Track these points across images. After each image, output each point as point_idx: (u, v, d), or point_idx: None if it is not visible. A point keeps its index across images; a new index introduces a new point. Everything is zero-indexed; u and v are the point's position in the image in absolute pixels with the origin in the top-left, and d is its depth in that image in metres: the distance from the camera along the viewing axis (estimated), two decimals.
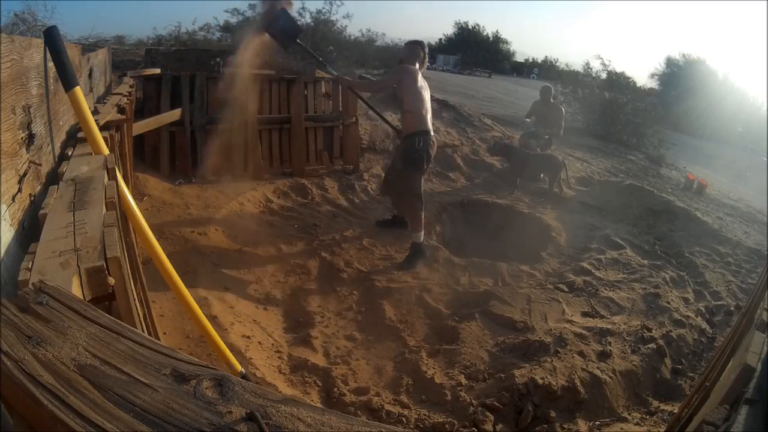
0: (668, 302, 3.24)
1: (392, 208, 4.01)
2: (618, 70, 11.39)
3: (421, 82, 3.40)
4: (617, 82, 11.00)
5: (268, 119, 4.59)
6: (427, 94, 3.43)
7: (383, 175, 3.89)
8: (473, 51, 27.46)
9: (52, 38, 1.42)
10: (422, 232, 3.42)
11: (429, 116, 3.40)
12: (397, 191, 3.49)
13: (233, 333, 2.40)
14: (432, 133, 3.38)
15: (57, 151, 1.61)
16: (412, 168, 3.34)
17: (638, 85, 12.04)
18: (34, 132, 1.29)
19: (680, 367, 2.67)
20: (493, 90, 14.58)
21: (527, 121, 6.19)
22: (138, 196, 3.52)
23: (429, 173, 4.60)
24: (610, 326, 2.81)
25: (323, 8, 11.60)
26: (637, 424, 2.17)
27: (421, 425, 2.03)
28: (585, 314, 2.98)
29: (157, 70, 4.34)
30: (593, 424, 2.15)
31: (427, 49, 3.54)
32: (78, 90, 1.47)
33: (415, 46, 3.51)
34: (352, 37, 13.16)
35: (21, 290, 0.64)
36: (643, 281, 3.52)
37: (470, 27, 30.11)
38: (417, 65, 3.42)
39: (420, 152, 3.27)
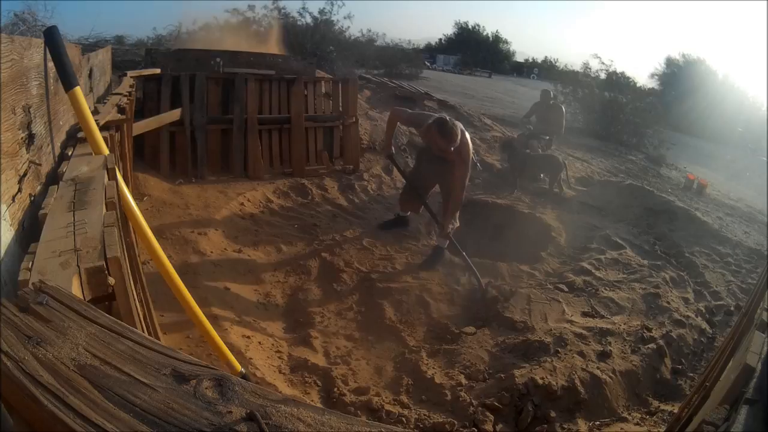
0: (668, 302, 3.24)
1: (392, 208, 4.01)
2: (618, 70, 11.43)
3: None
4: (617, 82, 11.02)
5: (268, 119, 4.59)
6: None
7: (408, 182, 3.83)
8: (473, 51, 27.51)
9: (52, 38, 1.42)
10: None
11: None
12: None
13: (233, 333, 2.40)
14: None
15: (57, 151, 1.60)
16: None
17: (638, 85, 12.06)
18: (34, 132, 1.29)
19: (680, 367, 2.67)
20: (493, 90, 14.58)
21: (528, 124, 6.20)
22: (138, 196, 3.51)
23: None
24: (610, 326, 2.80)
25: (324, 8, 11.61)
26: (637, 424, 2.16)
27: (421, 425, 2.03)
28: (585, 314, 2.98)
29: (157, 70, 4.34)
30: (593, 424, 2.15)
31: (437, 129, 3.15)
32: (78, 90, 1.47)
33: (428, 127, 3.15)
34: (352, 38, 13.18)
35: (21, 290, 0.64)
36: (643, 281, 3.52)
37: (470, 27, 30.21)
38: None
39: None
